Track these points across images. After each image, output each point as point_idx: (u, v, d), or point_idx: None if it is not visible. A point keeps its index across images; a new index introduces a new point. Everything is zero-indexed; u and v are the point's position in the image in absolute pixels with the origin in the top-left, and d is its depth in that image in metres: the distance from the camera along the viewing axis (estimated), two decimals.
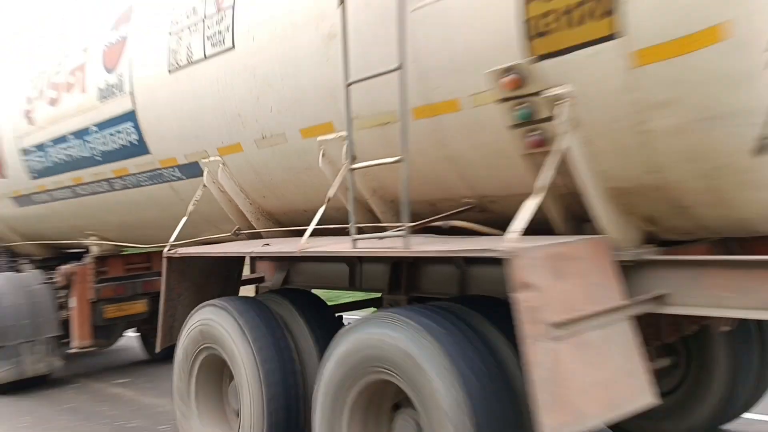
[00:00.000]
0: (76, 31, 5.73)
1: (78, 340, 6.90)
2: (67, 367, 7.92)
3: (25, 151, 6.36)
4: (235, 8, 3.84)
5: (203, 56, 4.06)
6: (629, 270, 2.86)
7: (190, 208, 4.47)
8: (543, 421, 2.40)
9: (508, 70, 2.55)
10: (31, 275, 7.79)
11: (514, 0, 2.54)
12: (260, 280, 6.20)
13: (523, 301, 2.44)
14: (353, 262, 4.52)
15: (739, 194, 2.57)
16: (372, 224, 3.45)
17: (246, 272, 5.89)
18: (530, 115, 2.59)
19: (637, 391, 2.69)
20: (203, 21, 4.05)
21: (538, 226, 2.72)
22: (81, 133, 5.41)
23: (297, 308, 3.93)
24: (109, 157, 5.22)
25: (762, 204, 2.60)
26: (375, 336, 2.95)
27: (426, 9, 2.82)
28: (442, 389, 2.67)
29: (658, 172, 2.61)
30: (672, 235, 2.98)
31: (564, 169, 2.66)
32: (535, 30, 2.51)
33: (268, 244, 3.79)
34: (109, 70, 4.99)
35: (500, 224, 2.88)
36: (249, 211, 4.31)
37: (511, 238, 2.54)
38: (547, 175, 2.61)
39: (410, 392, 2.83)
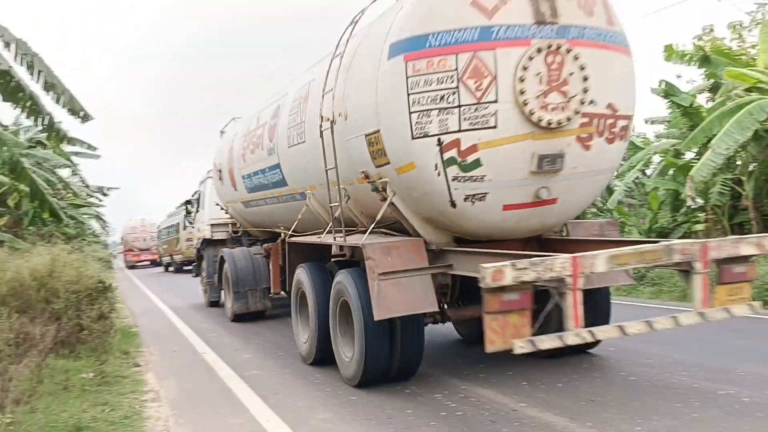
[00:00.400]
0: (261, 114, 10.28)
1: (273, 289, 11.52)
2: None
3: (243, 177, 11.18)
4: (305, 122, 7.92)
5: (297, 142, 8.24)
6: (436, 254, 6.36)
7: (299, 216, 8.73)
8: (375, 312, 6.09)
9: (363, 172, 6.33)
10: (254, 248, 12.76)
11: (366, 143, 6.24)
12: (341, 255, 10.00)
13: (368, 265, 6.12)
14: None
15: (458, 222, 6.01)
16: (352, 228, 7.31)
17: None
18: (376, 188, 6.31)
19: (426, 304, 6.14)
20: (297, 125, 8.23)
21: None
22: (261, 171, 9.99)
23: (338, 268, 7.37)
24: (273, 185, 9.70)
25: (470, 225, 6.00)
26: (338, 283, 6.87)
27: (349, 141, 6.60)
28: (353, 294, 6.48)
29: (434, 212, 6.09)
30: (466, 237, 6.39)
31: (395, 207, 6.28)
32: (372, 156, 6.21)
33: (319, 238, 7.82)
34: (270, 140, 9.42)
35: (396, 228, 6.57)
36: (323, 219, 8.35)
37: (365, 238, 6.29)
38: (382, 210, 6.32)
39: (349, 299, 6.61)
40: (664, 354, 7.28)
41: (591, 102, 5.87)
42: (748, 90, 13.39)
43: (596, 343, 7.00)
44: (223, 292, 13.73)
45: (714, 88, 15.78)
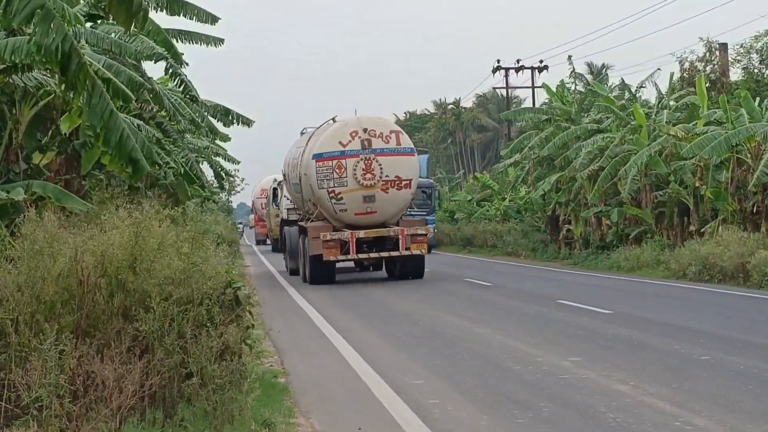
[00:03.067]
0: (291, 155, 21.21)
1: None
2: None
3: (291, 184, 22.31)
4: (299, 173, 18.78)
5: (297, 181, 19.08)
6: (336, 229, 17.02)
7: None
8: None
9: (310, 199, 17.16)
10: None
11: (308, 188, 16.97)
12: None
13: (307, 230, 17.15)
14: None
15: (340, 219, 16.64)
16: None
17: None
18: (314, 204, 17.10)
19: (322, 251, 16.86)
20: (296, 173, 19.05)
21: None
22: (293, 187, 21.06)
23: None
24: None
25: (345, 221, 16.67)
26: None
27: (305, 186, 17.34)
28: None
29: (330, 215, 16.71)
30: (349, 226, 17.03)
31: (320, 212, 16.98)
32: (311, 194, 16.90)
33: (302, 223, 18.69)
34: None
35: None
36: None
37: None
38: (316, 212, 17.13)
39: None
40: None
41: (386, 175, 16.12)
42: None
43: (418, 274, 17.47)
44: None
45: None
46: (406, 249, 16.10)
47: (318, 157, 16.24)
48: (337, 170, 16.22)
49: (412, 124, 65.78)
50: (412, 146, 17.47)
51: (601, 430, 5.09)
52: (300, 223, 18.51)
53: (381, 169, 16.09)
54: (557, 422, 5.34)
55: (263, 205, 33.96)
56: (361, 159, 16.22)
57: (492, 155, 58.02)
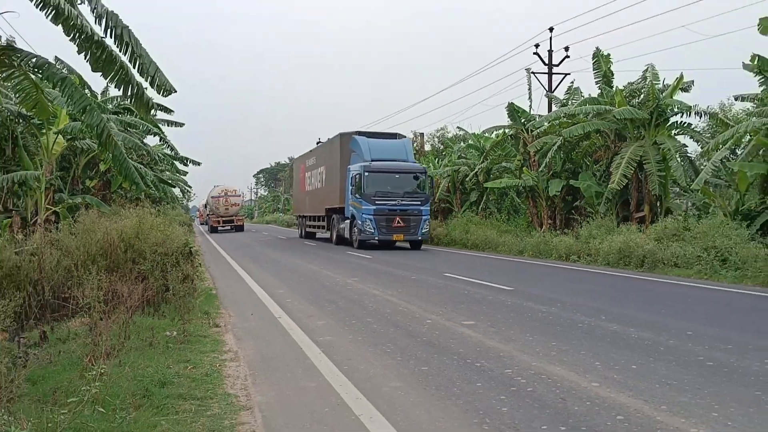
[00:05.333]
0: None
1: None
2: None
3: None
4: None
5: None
6: None
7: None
8: None
9: None
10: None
11: None
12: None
13: (210, 218, 48.37)
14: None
15: None
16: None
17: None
18: None
19: None
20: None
21: None
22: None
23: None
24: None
25: None
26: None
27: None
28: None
29: None
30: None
31: None
32: None
33: None
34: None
35: None
36: None
37: None
38: None
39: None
40: (745, 340, 7.10)
41: (232, 204, 47.67)
42: None
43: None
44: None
45: None
46: (238, 222, 47.56)
47: (213, 196, 48.21)
48: (219, 201, 47.28)
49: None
50: (240, 193, 50.64)
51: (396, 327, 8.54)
52: (210, 215, 48.28)
53: (228, 201, 47.43)
54: (346, 308, 9.93)
55: (201, 208, 65.01)
56: (223, 198, 47.17)
57: None
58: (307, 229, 33.83)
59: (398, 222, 23.04)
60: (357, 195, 23.32)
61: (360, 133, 25.89)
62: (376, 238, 23.19)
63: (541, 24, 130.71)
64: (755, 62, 14.83)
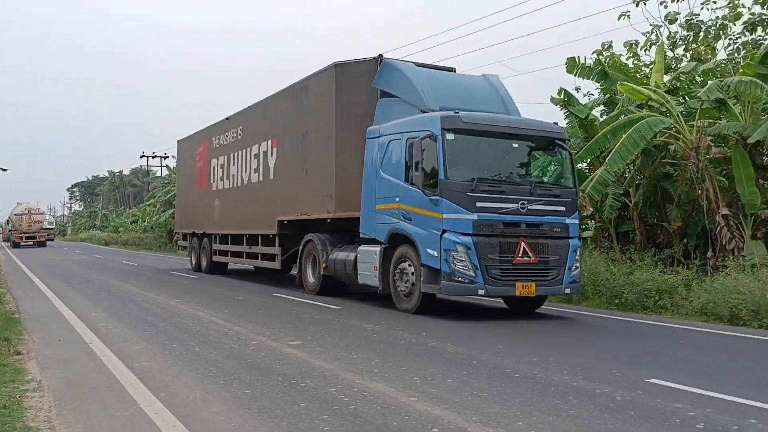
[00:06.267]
0: None
1: None
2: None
3: None
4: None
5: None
6: None
7: None
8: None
9: None
10: None
11: None
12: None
13: (12, 234, 50.38)
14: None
15: None
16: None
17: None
18: None
19: None
20: None
21: None
22: None
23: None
24: None
25: None
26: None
27: None
28: None
29: None
30: None
31: None
32: None
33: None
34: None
35: None
36: None
37: None
38: None
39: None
40: (548, 354, 7.74)
41: (37, 222, 52.41)
42: (639, 106, 14.26)
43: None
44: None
45: (609, 103, 16.30)
46: (40, 238, 52.01)
47: (17, 214, 52.81)
48: (22, 218, 51.85)
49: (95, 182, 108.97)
50: (44, 212, 56.40)
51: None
52: (12, 231, 52.98)
53: (32, 219, 52.31)
54: (166, 330, 9.72)
55: (4, 224, 63.68)
56: (27, 215, 51.87)
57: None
58: (216, 258, 20.85)
59: (524, 252, 10.81)
60: (426, 189, 10.92)
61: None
62: (482, 290, 10.58)
63: None
64: (561, 95, 15.94)
